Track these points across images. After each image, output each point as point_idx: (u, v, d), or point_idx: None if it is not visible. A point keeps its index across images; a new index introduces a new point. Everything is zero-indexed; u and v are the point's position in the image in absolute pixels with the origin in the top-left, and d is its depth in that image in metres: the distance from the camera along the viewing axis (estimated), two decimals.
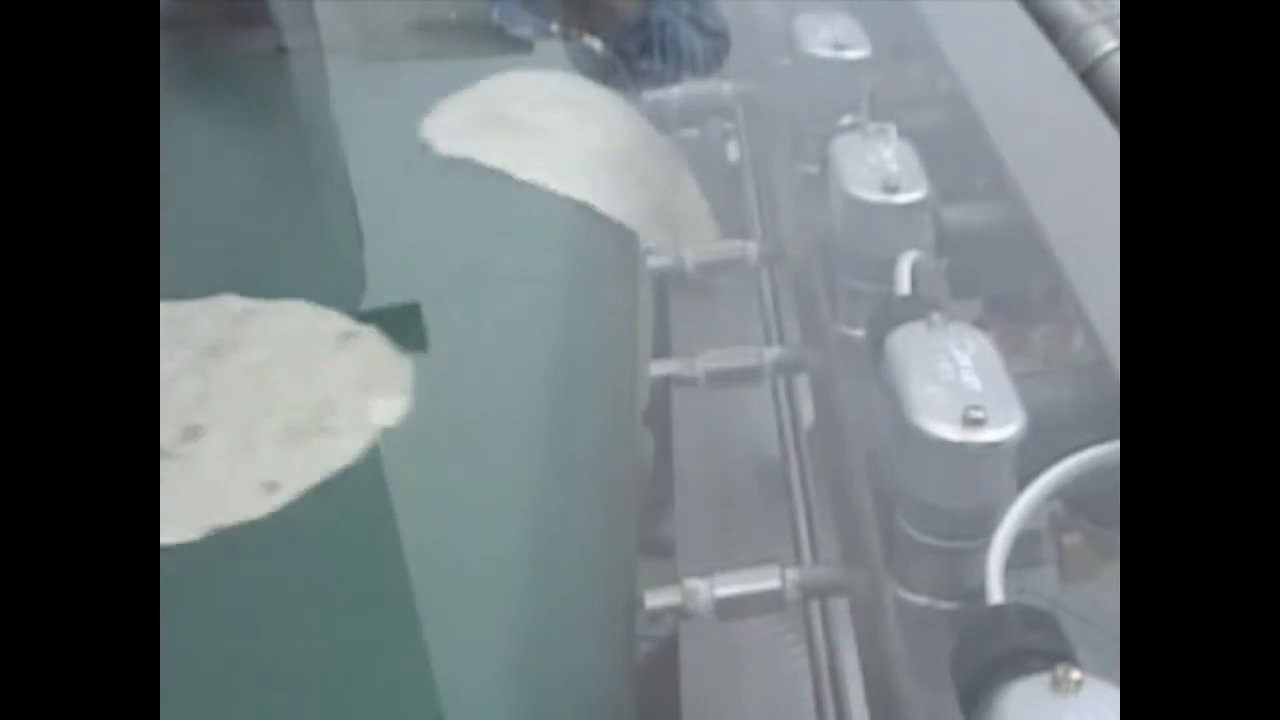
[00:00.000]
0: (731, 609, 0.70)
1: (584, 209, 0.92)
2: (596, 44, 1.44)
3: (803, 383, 0.88)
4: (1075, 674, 0.43)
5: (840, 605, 0.71)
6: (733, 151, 1.29)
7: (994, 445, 0.55)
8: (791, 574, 0.70)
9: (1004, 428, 0.55)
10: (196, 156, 0.95)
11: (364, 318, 0.76)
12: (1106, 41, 0.68)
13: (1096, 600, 0.76)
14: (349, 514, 0.64)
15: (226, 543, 0.59)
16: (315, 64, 1.23)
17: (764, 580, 0.70)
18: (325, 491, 0.62)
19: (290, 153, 1.04)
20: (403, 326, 0.79)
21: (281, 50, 1.29)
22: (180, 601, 0.49)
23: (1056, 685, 0.43)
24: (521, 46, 1.46)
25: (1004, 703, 0.43)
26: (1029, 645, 0.46)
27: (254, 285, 0.77)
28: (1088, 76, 0.67)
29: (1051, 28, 0.72)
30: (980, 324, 0.75)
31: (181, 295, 0.73)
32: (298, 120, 1.12)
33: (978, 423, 0.55)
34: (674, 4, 1.44)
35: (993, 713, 0.43)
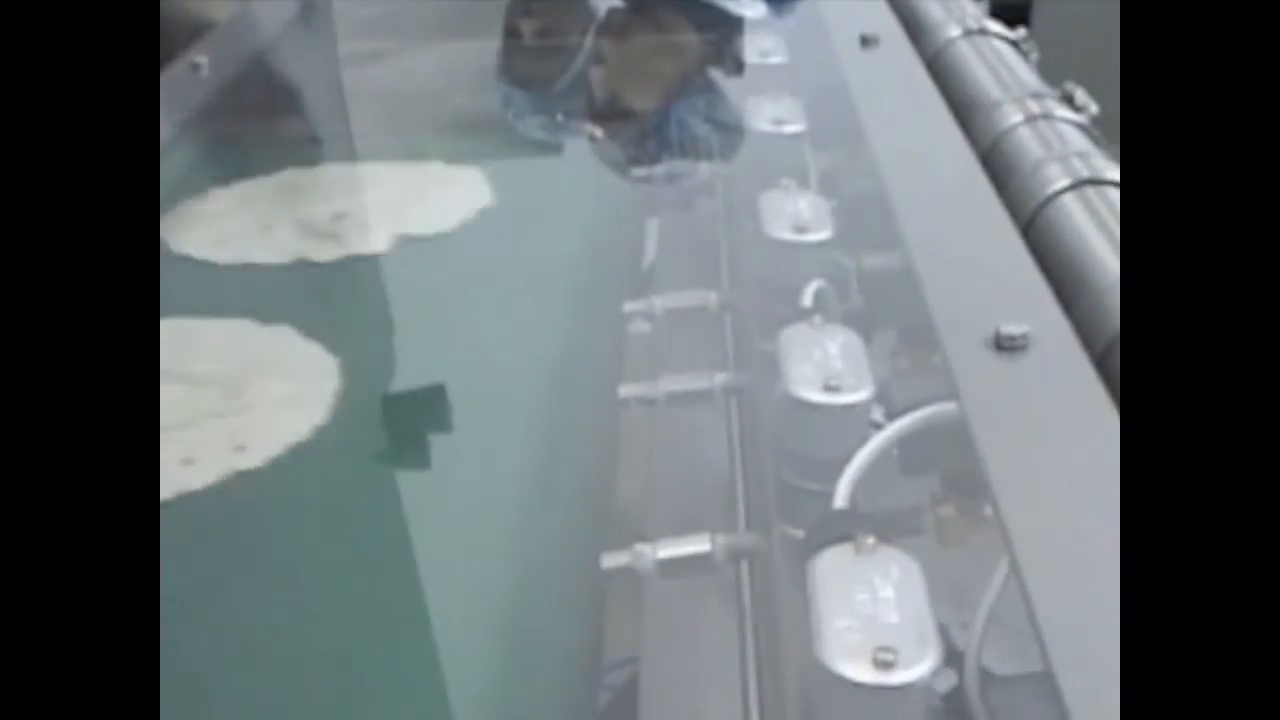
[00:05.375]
0: (672, 569, 0.86)
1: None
2: (597, 133, 1.62)
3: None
4: (871, 540, 0.60)
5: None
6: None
7: (850, 407, 0.72)
8: (720, 539, 0.87)
9: (857, 393, 0.72)
10: None
11: (392, 401, 0.98)
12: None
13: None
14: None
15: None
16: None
17: (698, 545, 0.87)
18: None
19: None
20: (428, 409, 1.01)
21: (315, 140, 1.48)
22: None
23: (858, 549, 0.60)
24: (550, 148, 1.64)
25: (818, 561, 0.60)
26: (850, 529, 0.62)
27: None
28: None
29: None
30: (894, 353, 0.93)
31: None
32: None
33: (836, 389, 0.72)
34: (690, 102, 1.58)
35: (810, 568, 0.60)
